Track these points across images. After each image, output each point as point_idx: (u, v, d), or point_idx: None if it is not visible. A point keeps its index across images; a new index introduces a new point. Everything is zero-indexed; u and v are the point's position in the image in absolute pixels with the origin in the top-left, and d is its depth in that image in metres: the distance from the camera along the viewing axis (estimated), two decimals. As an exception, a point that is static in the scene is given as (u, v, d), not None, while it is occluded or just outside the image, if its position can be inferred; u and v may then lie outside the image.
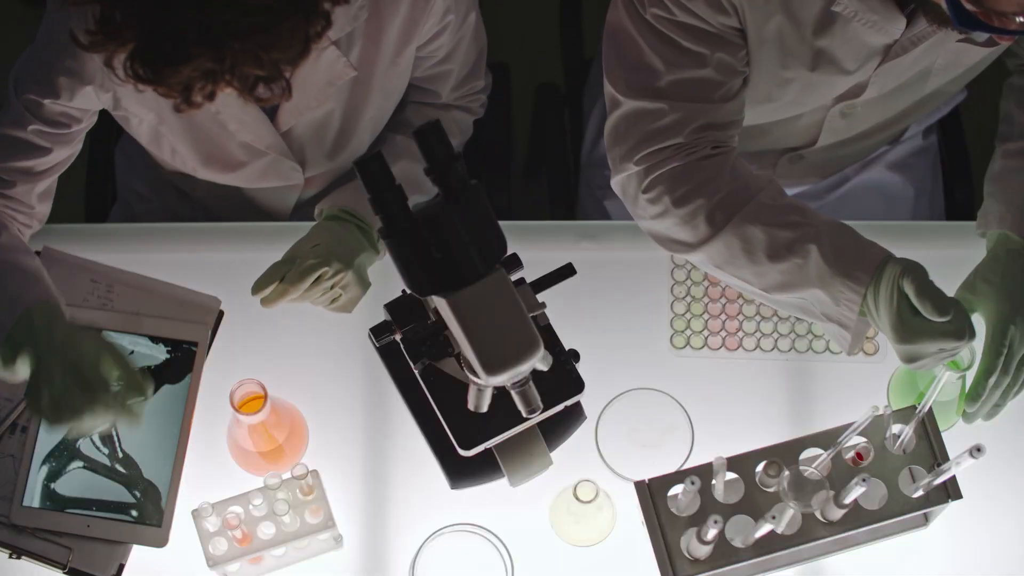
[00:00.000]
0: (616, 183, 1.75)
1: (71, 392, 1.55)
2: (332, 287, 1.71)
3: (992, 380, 1.66)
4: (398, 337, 1.53)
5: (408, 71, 1.82)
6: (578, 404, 1.65)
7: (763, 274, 1.66)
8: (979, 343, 1.67)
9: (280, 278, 1.68)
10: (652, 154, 1.69)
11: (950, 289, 1.72)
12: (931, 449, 1.60)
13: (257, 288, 1.68)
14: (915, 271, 1.55)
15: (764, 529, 1.48)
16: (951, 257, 1.79)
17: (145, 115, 1.77)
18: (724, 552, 1.56)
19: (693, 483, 1.51)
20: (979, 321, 1.70)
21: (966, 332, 1.53)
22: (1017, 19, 1.41)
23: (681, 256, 1.76)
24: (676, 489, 1.59)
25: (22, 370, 1.59)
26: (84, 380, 1.56)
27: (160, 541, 1.72)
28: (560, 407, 1.58)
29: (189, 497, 1.73)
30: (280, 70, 1.44)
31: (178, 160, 1.86)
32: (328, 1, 1.46)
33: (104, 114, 1.78)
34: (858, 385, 1.80)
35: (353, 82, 1.77)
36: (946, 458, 1.59)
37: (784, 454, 1.60)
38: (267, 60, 1.42)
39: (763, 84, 1.74)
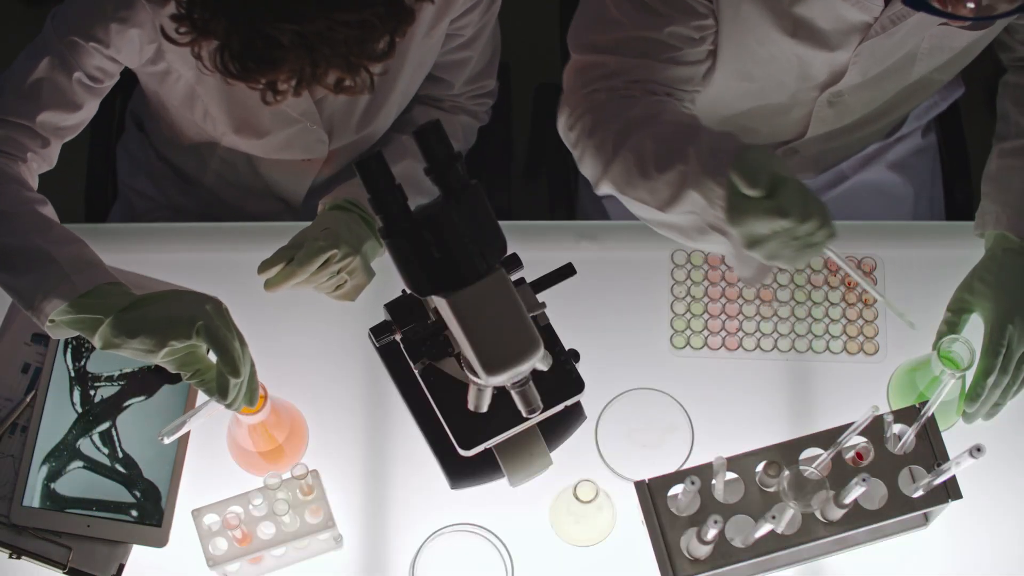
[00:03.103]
0: (559, 129, 1.76)
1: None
2: (339, 272, 1.71)
3: (991, 380, 1.66)
4: (398, 337, 1.53)
5: (438, 46, 1.83)
6: (578, 404, 1.65)
7: (656, 190, 1.61)
8: (978, 343, 1.67)
9: (287, 260, 1.67)
10: (586, 95, 1.71)
11: (948, 289, 1.72)
12: (931, 449, 1.60)
13: (263, 268, 1.67)
14: (750, 148, 1.48)
15: (764, 529, 1.48)
16: (951, 257, 1.79)
17: (184, 71, 1.76)
18: (724, 552, 1.56)
19: (693, 483, 1.51)
20: (978, 321, 1.70)
21: (791, 210, 1.43)
22: (967, 4, 1.39)
23: (601, 191, 1.72)
24: (676, 489, 1.59)
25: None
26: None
27: (160, 541, 1.72)
28: (560, 407, 1.57)
29: (189, 497, 1.73)
30: (367, 68, 1.47)
31: (208, 123, 1.86)
32: None
33: (103, 113, 1.77)
34: (858, 385, 1.80)
35: None
36: (946, 458, 1.59)
37: (784, 454, 1.60)
38: (356, 63, 1.45)
39: (742, 58, 1.74)
